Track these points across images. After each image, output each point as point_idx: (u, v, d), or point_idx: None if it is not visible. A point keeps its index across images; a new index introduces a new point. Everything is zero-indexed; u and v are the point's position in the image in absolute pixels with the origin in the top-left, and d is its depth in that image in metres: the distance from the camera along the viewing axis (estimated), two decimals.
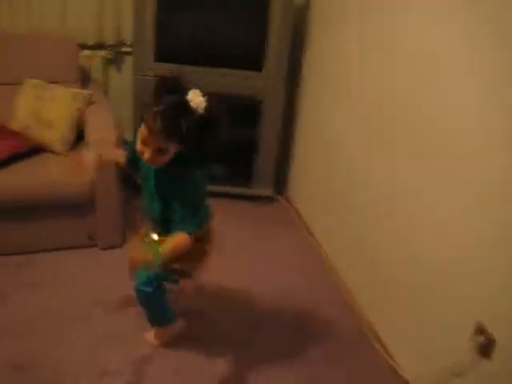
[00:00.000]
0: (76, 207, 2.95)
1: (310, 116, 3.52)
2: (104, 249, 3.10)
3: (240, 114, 3.53)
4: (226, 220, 3.40)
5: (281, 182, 3.91)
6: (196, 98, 1.71)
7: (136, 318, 2.57)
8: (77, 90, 3.21)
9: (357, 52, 2.88)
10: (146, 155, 1.76)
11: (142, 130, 1.74)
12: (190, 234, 1.90)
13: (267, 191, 3.74)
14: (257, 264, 3.16)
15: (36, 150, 3.05)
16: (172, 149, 1.76)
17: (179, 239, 1.90)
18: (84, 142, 2.76)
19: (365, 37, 2.78)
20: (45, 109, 3.10)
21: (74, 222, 2.98)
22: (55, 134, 3.07)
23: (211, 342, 2.55)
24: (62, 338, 2.47)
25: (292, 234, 3.49)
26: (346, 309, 2.90)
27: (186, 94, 1.71)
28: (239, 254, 3.21)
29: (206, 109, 1.71)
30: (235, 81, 3.39)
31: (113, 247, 3.10)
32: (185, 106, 1.68)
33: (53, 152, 3.09)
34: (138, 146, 1.78)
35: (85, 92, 3.20)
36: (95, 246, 3.10)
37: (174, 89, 1.70)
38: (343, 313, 2.87)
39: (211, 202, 3.24)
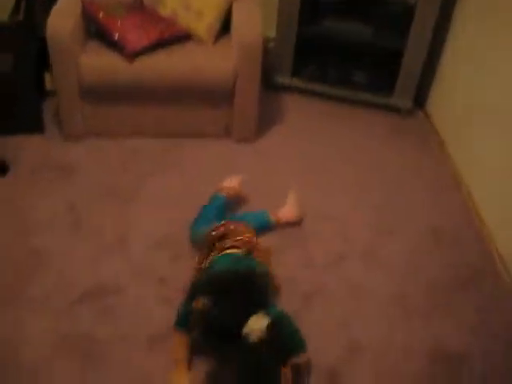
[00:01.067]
0: (217, 96, 3.02)
1: (465, 30, 3.25)
2: (237, 141, 3.20)
3: (390, 18, 3.40)
4: (359, 128, 3.45)
5: (421, 95, 3.72)
6: (255, 327, 1.67)
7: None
8: None
9: None
10: None
11: None
12: None
13: (407, 103, 3.57)
14: (380, 175, 3.11)
15: (182, 36, 3.11)
16: None
17: None
18: None
19: None
20: None
21: (213, 112, 3.09)
22: (203, 23, 3.10)
23: None
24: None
25: (424, 150, 3.35)
26: (474, 232, 2.80)
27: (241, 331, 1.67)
28: (364, 162, 3.18)
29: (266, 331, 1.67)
30: None
31: (246, 141, 3.20)
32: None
33: (198, 40, 3.14)
34: None
35: None
36: (229, 137, 3.21)
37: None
38: (471, 237, 2.77)
39: (346, 109, 3.35)
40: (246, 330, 1.66)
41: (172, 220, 2.64)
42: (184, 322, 1.98)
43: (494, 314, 2.38)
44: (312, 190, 2.92)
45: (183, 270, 2.38)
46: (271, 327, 1.67)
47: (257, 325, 1.66)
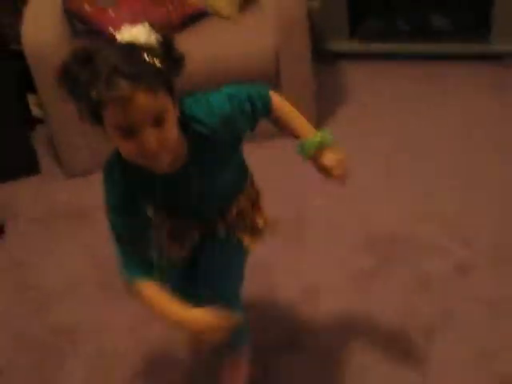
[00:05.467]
0: None
1: None
2: None
3: None
4: (453, 90, 3.41)
5: None
6: (133, 32, 1.44)
7: None
8: None
9: None
10: (149, 141, 1.39)
11: (113, 120, 1.38)
12: None
13: (510, 47, 3.44)
14: (494, 150, 3.05)
15: (197, 15, 3.13)
16: (169, 108, 1.44)
17: None
18: None
19: None
20: None
21: None
22: None
23: None
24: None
25: None
26: None
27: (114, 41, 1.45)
28: (469, 137, 3.12)
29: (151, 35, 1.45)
30: None
31: None
32: (131, 47, 1.41)
33: (218, 16, 3.16)
34: (125, 148, 1.43)
35: None
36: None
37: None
38: None
39: (429, 67, 3.51)
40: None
41: None
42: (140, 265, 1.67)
43: None
44: (405, 183, 2.90)
45: None
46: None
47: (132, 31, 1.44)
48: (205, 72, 2.89)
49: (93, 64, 1.34)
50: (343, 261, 2.58)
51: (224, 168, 1.69)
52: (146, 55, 1.38)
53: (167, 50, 1.43)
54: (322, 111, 3.25)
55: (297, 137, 1.72)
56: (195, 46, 2.90)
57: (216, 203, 1.78)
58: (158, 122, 1.38)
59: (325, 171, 1.70)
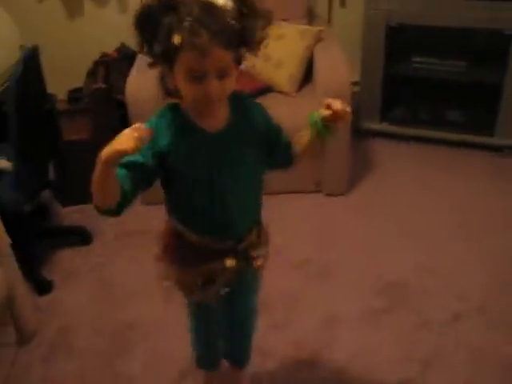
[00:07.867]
0: None
1: None
2: (328, 195, 3.44)
3: (484, 51, 3.61)
4: (460, 172, 3.63)
5: None
6: None
7: None
8: (305, 27, 3.48)
9: None
10: (212, 88, 1.43)
11: (186, 64, 1.41)
12: None
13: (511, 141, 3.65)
14: (490, 221, 3.21)
15: (263, 90, 3.38)
16: (234, 65, 1.48)
17: None
18: None
19: None
20: (272, 47, 3.30)
21: (303, 169, 3.12)
22: (283, 73, 3.33)
23: None
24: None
25: None
26: None
27: None
28: (468, 211, 3.30)
29: None
30: (480, 12, 3.38)
31: (336, 194, 3.45)
32: (212, 4, 1.41)
33: (280, 92, 3.38)
34: (190, 89, 1.46)
35: (314, 29, 3.44)
36: (320, 192, 3.45)
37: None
38: None
39: (442, 151, 3.73)
40: None
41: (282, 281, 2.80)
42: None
43: None
44: (414, 243, 3.03)
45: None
46: None
47: None
48: None
49: (177, 12, 1.36)
50: (360, 299, 2.71)
51: (250, 168, 1.65)
52: (225, 15, 1.39)
53: (247, 11, 1.44)
54: (355, 176, 3.54)
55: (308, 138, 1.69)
56: None
57: (241, 208, 1.66)
58: (222, 75, 1.42)
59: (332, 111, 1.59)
